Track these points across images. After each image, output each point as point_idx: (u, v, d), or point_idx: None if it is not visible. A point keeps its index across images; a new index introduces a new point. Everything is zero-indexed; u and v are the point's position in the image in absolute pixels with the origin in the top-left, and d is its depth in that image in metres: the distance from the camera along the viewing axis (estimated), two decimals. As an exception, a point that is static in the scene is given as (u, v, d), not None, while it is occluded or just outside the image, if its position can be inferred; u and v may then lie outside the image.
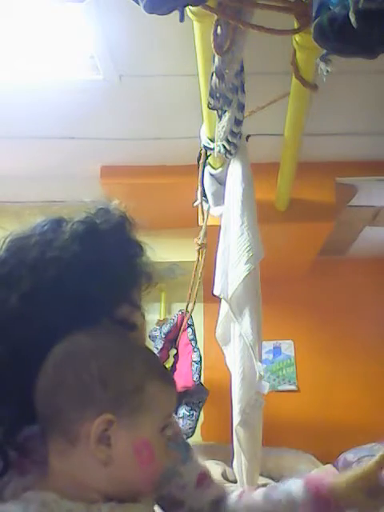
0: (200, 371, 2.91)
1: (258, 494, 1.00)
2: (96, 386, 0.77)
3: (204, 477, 1.05)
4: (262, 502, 0.98)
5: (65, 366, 0.79)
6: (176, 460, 0.97)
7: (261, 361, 1.94)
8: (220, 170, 2.35)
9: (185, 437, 1.12)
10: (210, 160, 2.40)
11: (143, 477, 0.79)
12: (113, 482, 0.77)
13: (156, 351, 3.01)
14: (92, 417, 0.76)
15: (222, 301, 2.06)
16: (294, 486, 0.96)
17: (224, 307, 2.10)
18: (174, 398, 0.85)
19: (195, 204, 2.63)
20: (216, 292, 2.05)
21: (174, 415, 1.07)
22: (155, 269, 0.92)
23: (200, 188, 2.54)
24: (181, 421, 2.85)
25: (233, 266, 2.00)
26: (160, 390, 0.81)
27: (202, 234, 2.64)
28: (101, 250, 0.86)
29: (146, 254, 0.93)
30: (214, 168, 2.40)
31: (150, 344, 3.25)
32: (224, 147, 2.08)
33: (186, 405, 2.93)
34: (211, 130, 2.16)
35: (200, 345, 3.08)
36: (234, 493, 1.06)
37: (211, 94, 1.77)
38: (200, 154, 2.46)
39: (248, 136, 2.27)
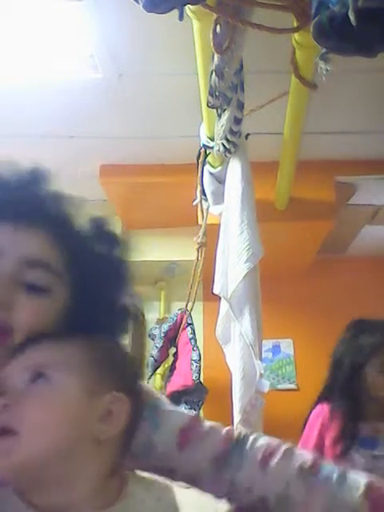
0: (199, 370, 2.91)
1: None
2: None
3: (186, 437, 0.87)
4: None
5: None
6: (143, 431, 0.84)
7: (261, 359, 1.94)
8: (219, 168, 2.34)
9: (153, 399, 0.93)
10: (209, 159, 2.40)
11: None
12: None
13: (156, 350, 3.02)
14: None
15: (222, 299, 2.06)
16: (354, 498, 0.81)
17: (224, 306, 2.10)
18: None
19: (195, 203, 2.63)
20: (216, 291, 2.05)
21: None
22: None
23: (199, 187, 2.54)
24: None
25: (232, 264, 2.00)
26: None
27: (201, 232, 2.64)
28: None
29: None
30: (213, 167, 2.39)
31: (149, 343, 3.26)
32: (223, 146, 2.08)
33: (186, 404, 2.93)
34: (211, 128, 2.16)
35: (199, 344, 3.08)
36: (260, 442, 0.88)
37: (211, 93, 1.77)
38: (199, 153, 2.46)
39: (247, 135, 2.27)
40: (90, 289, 0.82)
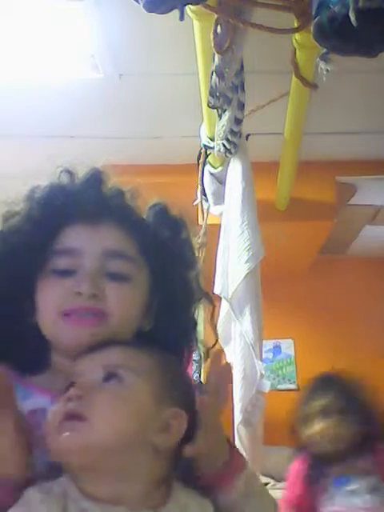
0: (200, 370, 2.91)
1: None
2: None
3: None
4: None
5: None
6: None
7: (261, 360, 1.94)
8: (220, 169, 2.34)
9: None
10: (210, 159, 2.39)
11: None
12: None
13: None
14: None
15: (223, 300, 2.06)
16: None
17: (224, 306, 2.10)
18: None
19: (195, 203, 2.63)
20: (216, 291, 2.05)
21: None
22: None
23: (200, 187, 2.54)
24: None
25: (233, 264, 2.00)
26: None
27: (201, 232, 2.63)
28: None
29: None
30: (214, 167, 2.39)
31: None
32: (224, 146, 2.08)
33: (186, 404, 2.94)
34: (211, 128, 2.16)
35: (199, 343, 3.08)
36: None
37: (211, 93, 1.77)
38: (200, 153, 2.46)
39: (248, 135, 2.27)
40: (162, 272, 0.90)
